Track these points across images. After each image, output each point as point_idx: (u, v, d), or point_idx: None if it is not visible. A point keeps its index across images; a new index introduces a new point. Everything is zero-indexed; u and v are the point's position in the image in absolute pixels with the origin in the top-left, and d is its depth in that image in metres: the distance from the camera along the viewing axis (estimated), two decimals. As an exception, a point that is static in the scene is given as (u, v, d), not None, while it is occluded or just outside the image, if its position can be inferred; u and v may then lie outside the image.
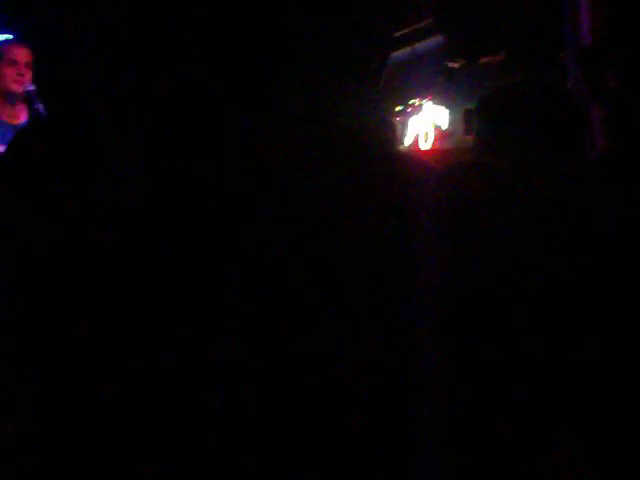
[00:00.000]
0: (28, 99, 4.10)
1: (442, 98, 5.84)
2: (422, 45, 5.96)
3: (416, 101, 5.90)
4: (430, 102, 5.85)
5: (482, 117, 2.29)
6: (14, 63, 4.15)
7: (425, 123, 5.79)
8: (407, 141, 5.84)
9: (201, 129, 1.51)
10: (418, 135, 5.80)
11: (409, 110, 5.91)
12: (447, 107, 5.78)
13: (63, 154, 1.94)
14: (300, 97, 1.43)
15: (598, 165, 2.25)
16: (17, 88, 4.14)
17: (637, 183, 1.95)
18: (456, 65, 5.80)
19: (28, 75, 4.14)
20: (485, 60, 5.66)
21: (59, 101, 4.05)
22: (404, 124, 5.89)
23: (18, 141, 2.24)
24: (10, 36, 4.59)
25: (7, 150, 2.50)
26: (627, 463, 1.70)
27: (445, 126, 5.70)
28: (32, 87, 4.12)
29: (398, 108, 5.89)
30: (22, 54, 4.18)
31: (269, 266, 1.41)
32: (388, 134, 1.63)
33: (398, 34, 5.43)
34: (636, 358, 1.68)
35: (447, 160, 4.45)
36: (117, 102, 1.73)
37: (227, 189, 1.42)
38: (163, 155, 1.57)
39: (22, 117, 4.18)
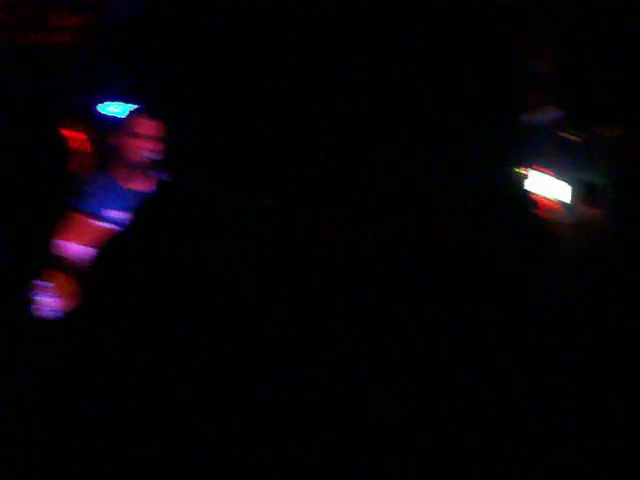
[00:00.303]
0: (152, 168, 4.18)
1: (553, 169, 5.79)
2: (536, 116, 5.91)
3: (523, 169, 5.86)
4: (536, 171, 5.79)
5: (620, 191, 2.26)
6: (141, 137, 4.22)
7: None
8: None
9: None
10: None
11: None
12: (561, 179, 5.71)
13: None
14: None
15: None
16: (137, 159, 4.22)
17: None
18: (573, 137, 5.73)
19: (151, 147, 4.21)
20: (602, 133, 5.59)
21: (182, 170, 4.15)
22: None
23: (147, 207, 2.27)
24: (134, 106, 4.72)
25: (134, 216, 2.53)
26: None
27: (566, 199, 5.61)
28: (154, 156, 4.19)
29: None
30: (148, 127, 4.22)
31: None
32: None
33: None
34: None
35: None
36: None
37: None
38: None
39: (144, 184, 4.24)
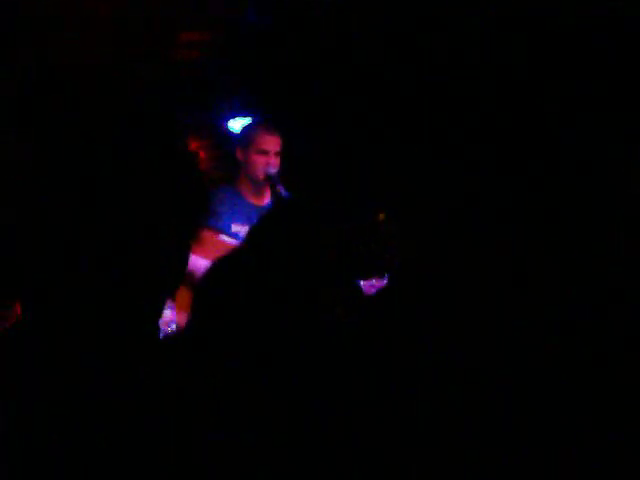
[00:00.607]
0: (270, 182, 4.24)
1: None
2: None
3: None
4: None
5: None
6: (264, 153, 4.30)
7: None
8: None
9: None
10: None
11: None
12: None
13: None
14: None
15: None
16: (261, 174, 4.29)
17: None
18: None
19: (275, 163, 4.26)
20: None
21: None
22: None
23: (264, 222, 2.37)
24: (257, 121, 4.84)
25: (251, 231, 2.63)
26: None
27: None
28: (274, 170, 4.25)
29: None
30: (273, 143, 4.26)
31: None
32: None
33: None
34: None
35: None
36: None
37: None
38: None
39: (267, 199, 4.32)
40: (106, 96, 4.71)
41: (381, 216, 5.08)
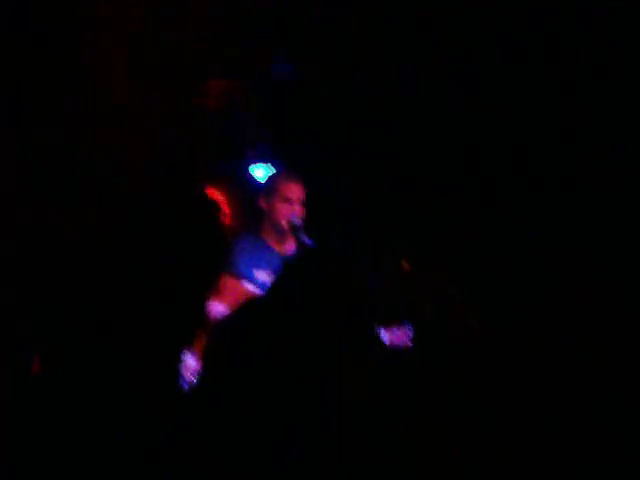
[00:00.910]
0: (294, 231, 4.24)
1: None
2: None
3: None
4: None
5: None
6: (288, 200, 4.31)
7: None
8: None
9: None
10: None
11: None
12: None
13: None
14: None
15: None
16: (284, 222, 4.29)
17: None
18: None
19: (299, 211, 4.29)
20: None
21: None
22: None
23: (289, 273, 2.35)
24: (281, 169, 4.86)
25: (277, 281, 2.61)
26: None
27: None
28: (298, 220, 4.25)
29: None
30: (297, 191, 4.27)
31: None
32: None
33: None
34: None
35: None
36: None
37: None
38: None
39: (290, 246, 4.31)
40: (132, 142, 4.74)
41: (405, 265, 5.06)
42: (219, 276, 4.13)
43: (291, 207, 4.23)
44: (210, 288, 4.04)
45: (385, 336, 4.10)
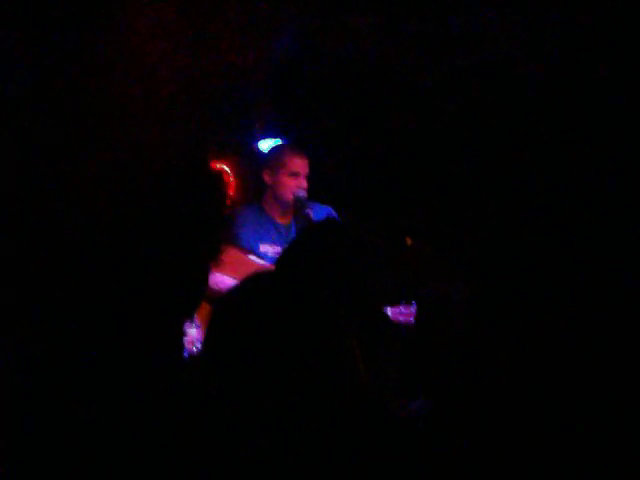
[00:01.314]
0: (298, 205, 4.25)
1: None
2: None
3: None
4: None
5: None
6: (296, 175, 4.29)
7: None
8: None
9: None
10: None
11: None
12: None
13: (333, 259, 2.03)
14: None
15: None
16: (288, 195, 4.29)
17: None
18: None
19: (305, 185, 4.28)
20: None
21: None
22: None
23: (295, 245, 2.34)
24: (286, 143, 4.84)
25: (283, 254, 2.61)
26: None
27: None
28: (302, 194, 4.25)
29: None
30: (304, 166, 4.27)
31: None
32: None
33: None
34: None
35: None
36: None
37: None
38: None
39: (288, 218, 4.31)
40: (140, 117, 4.73)
41: (408, 241, 5.06)
42: (223, 248, 4.15)
43: (297, 181, 4.23)
44: (214, 260, 4.05)
45: (390, 313, 4.12)
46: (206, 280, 2.36)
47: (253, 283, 1.93)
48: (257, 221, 4.27)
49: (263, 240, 4.19)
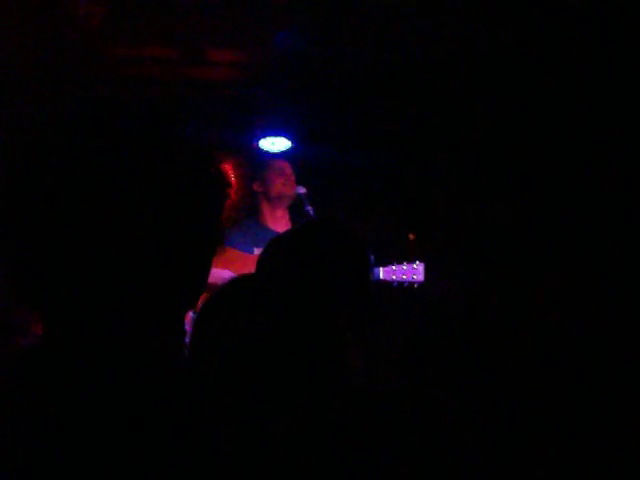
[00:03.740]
0: (299, 202, 4.30)
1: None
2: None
3: None
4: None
5: None
6: (281, 171, 4.39)
7: None
8: None
9: None
10: None
11: None
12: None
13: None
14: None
15: None
16: (288, 191, 4.34)
17: None
18: None
19: (293, 181, 4.36)
20: None
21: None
22: None
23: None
24: (284, 145, 4.87)
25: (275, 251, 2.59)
26: None
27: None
28: (303, 190, 4.30)
29: None
30: (287, 167, 4.47)
31: None
32: None
33: None
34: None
35: None
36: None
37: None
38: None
39: (283, 224, 4.37)
40: (142, 114, 4.72)
41: (411, 236, 5.07)
42: (222, 248, 4.17)
43: (285, 177, 4.32)
44: (214, 257, 4.07)
45: (391, 273, 4.09)
46: (207, 276, 2.35)
47: (234, 284, 1.93)
48: (253, 230, 4.35)
49: (259, 245, 4.22)
